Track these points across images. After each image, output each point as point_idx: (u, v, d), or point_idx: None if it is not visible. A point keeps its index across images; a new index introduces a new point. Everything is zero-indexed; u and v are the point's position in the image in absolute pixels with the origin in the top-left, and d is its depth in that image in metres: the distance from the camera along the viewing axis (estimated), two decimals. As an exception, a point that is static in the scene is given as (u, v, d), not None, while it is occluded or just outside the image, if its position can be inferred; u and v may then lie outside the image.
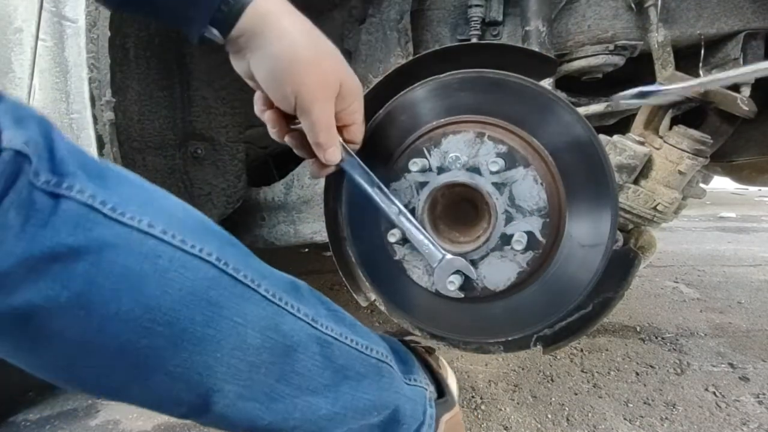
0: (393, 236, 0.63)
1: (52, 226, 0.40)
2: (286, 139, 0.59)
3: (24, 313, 0.40)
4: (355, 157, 0.60)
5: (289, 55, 0.50)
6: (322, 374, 0.58)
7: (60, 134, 0.44)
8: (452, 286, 0.60)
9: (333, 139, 0.56)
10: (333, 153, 0.57)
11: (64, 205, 0.40)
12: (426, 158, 0.61)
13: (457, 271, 0.61)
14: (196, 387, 0.49)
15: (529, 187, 0.58)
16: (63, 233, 0.40)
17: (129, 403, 0.51)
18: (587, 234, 0.61)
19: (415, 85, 0.64)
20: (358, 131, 0.59)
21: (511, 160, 0.58)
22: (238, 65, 0.54)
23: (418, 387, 0.72)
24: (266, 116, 0.57)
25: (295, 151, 0.61)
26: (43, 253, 0.39)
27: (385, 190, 0.61)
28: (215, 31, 0.49)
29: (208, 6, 0.47)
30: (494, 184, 0.59)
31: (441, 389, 0.76)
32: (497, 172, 0.59)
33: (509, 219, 0.59)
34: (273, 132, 0.58)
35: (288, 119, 0.57)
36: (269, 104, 0.56)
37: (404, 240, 0.63)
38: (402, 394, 0.67)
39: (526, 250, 0.59)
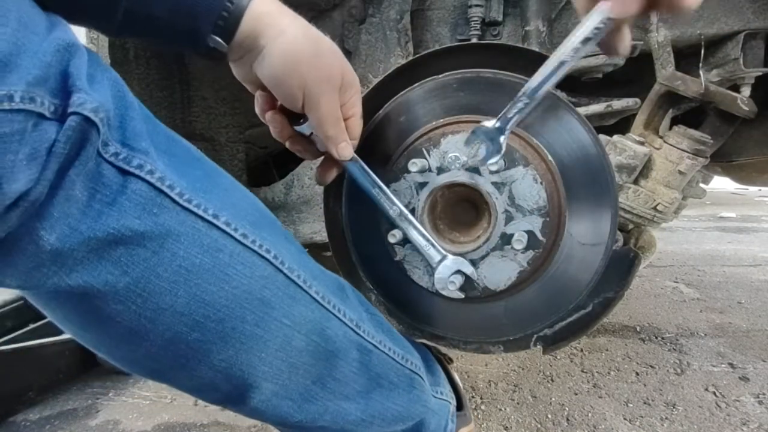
0: (393, 237, 0.63)
1: (119, 206, 0.38)
2: (288, 145, 0.59)
3: (79, 294, 0.39)
4: (357, 157, 0.60)
5: (294, 51, 0.49)
6: (357, 380, 0.58)
7: (134, 99, 0.42)
8: (453, 286, 0.60)
9: (343, 132, 0.55)
10: (345, 148, 0.56)
11: (133, 185, 0.39)
12: (425, 158, 0.61)
13: (458, 272, 0.61)
14: (235, 380, 0.49)
15: (529, 186, 0.58)
16: (130, 215, 0.38)
17: (168, 385, 0.51)
18: (588, 233, 0.61)
19: (414, 85, 0.64)
20: (357, 124, 0.58)
21: (510, 159, 0.58)
22: (239, 71, 0.54)
23: (444, 401, 0.71)
24: (269, 117, 0.56)
25: (299, 154, 0.60)
26: (108, 235, 0.37)
27: (386, 190, 0.61)
28: (219, 40, 0.48)
29: (210, 17, 0.47)
30: (494, 183, 0.59)
31: (460, 402, 0.76)
32: (496, 172, 0.59)
33: (509, 218, 0.59)
34: (276, 133, 0.58)
35: (290, 120, 0.57)
36: (271, 105, 0.56)
37: (405, 241, 0.63)
38: (429, 407, 0.67)
39: (526, 249, 0.59)
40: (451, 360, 0.84)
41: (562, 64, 0.51)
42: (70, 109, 0.34)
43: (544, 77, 0.52)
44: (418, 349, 0.71)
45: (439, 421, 0.69)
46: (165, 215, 0.40)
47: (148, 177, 0.39)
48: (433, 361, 0.76)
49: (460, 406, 0.75)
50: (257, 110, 0.57)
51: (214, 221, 0.44)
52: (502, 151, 0.56)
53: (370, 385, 0.59)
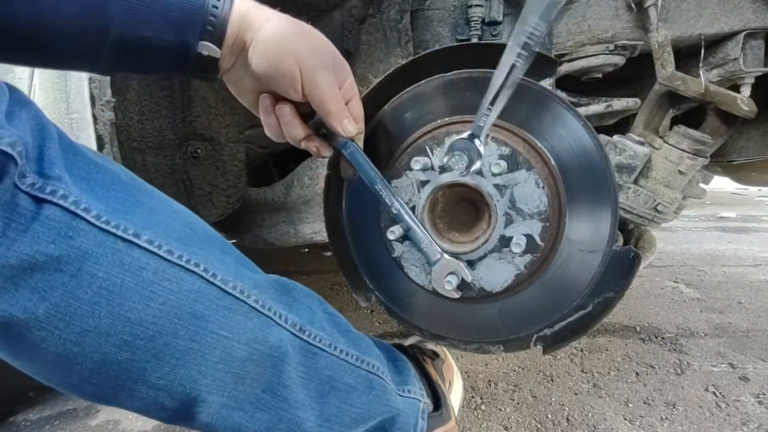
0: (392, 233, 0.63)
1: (32, 233, 0.38)
2: (303, 144, 0.58)
3: (2, 324, 0.39)
4: (359, 148, 0.59)
5: (282, 31, 0.51)
6: (308, 385, 0.58)
7: (54, 131, 0.43)
8: (449, 285, 0.60)
9: (344, 109, 0.55)
10: (349, 123, 0.56)
11: (46, 211, 0.39)
12: (428, 157, 0.61)
13: (454, 272, 0.61)
14: (179, 396, 0.49)
15: (531, 190, 0.58)
16: (43, 241, 0.39)
17: (114, 407, 0.51)
18: (586, 239, 0.61)
19: (421, 82, 0.64)
20: (358, 106, 0.58)
21: (513, 162, 0.58)
22: (235, 79, 0.54)
23: (412, 398, 0.71)
24: (278, 110, 0.56)
25: (314, 153, 0.59)
26: (22, 262, 0.38)
27: (388, 185, 0.61)
28: (212, 45, 0.49)
29: (195, 27, 0.48)
30: (496, 185, 0.59)
31: (438, 401, 0.75)
32: (499, 174, 0.59)
33: (509, 221, 0.59)
34: (289, 131, 0.56)
35: (300, 117, 0.57)
36: (276, 98, 0.55)
37: (403, 237, 0.63)
38: (393, 406, 0.67)
39: (524, 253, 0.59)
40: (436, 355, 0.84)
41: (513, 67, 0.52)
42: None
43: (499, 85, 0.53)
44: (380, 347, 0.71)
45: (407, 420, 0.68)
46: (81, 238, 0.41)
47: (61, 202, 0.40)
48: (403, 360, 0.75)
49: (438, 406, 0.75)
50: (263, 112, 0.56)
51: (135, 240, 0.44)
52: (482, 156, 0.57)
53: (323, 389, 0.59)
